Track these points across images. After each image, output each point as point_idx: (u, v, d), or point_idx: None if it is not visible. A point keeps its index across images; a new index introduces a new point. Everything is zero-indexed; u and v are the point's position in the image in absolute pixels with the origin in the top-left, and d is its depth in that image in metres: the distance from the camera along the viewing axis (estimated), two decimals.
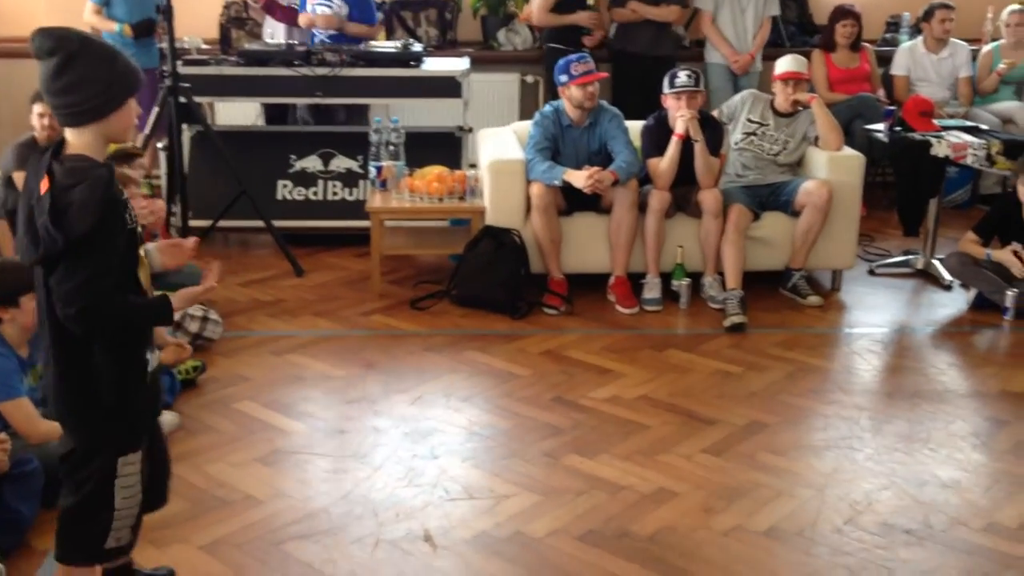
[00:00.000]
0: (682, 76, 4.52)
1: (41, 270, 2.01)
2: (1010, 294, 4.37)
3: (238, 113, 6.03)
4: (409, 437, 3.31)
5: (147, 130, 4.99)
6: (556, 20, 5.75)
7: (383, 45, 5.40)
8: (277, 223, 4.94)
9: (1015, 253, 4.38)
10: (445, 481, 3.03)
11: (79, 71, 1.96)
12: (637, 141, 4.63)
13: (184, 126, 4.87)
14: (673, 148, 4.47)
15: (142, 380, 2.13)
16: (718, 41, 5.87)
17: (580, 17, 5.68)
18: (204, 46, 5.64)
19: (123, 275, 2.05)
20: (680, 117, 4.45)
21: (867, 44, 6.14)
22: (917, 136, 4.79)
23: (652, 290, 4.50)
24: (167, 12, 4.61)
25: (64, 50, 1.95)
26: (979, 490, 3.02)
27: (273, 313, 4.37)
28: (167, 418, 3.26)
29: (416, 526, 2.80)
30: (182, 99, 4.72)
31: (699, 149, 4.47)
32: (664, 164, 4.48)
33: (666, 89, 4.58)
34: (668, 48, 5.86)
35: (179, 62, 4.76)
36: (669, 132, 4.51)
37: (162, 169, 5.07)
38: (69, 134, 2.03)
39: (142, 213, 3.79)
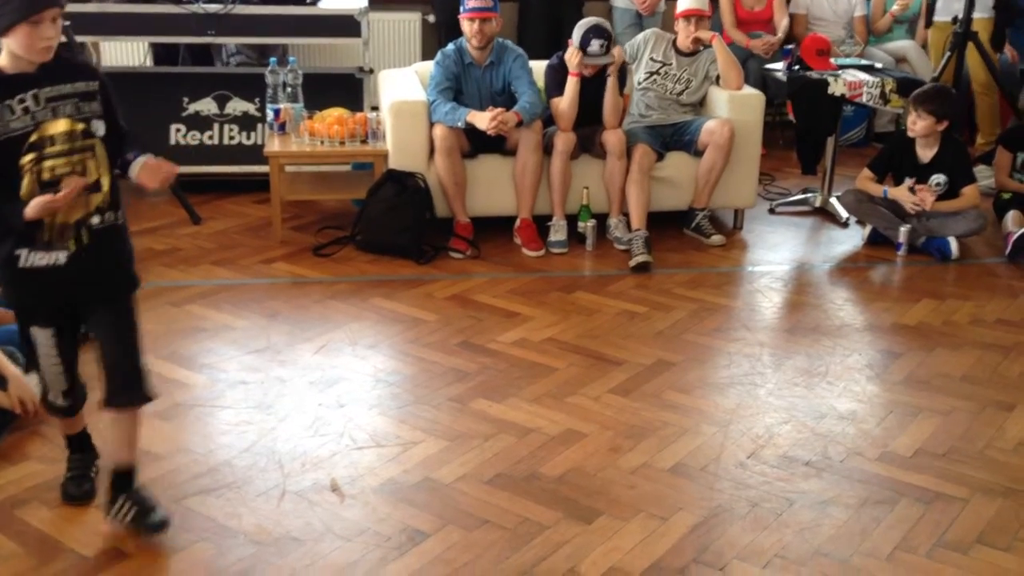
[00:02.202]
0: (594, 45, 4.37)
1: None
2: (903, 229, 4.50)
3: (124, 53, 5.75)
4: (314, 386, 3.25)
5: None
6: None
7: None
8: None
9: (910, 189, 4.50)
10: (352, 430, 2.99)
11: None
12: (542, 81, 4.57)
13: None
14: (571, 87, 4.42)
15: (14, 271, 2.31)
16: None
17: None
18: None
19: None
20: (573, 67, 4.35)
21: None
22: (814, 75, 4.86)
23: (558, 232, 4.50)
24: None
25: None
26: (874, 420, 3.13)
27: (169, 263, 4.22)
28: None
29: (323, 476, 2.75)
30: (63, 38, 4.45)
31: (611, 86, 4.44)
32: (564, 104, 4.44)
33: (575, 45, 4.41)
34: None
35: None
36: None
37: None
38: None
39: None
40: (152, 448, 2.85)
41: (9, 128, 2.19)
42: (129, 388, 2.45)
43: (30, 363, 2.52)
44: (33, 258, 2.31)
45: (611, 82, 4.43)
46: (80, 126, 2.28)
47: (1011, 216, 4.62)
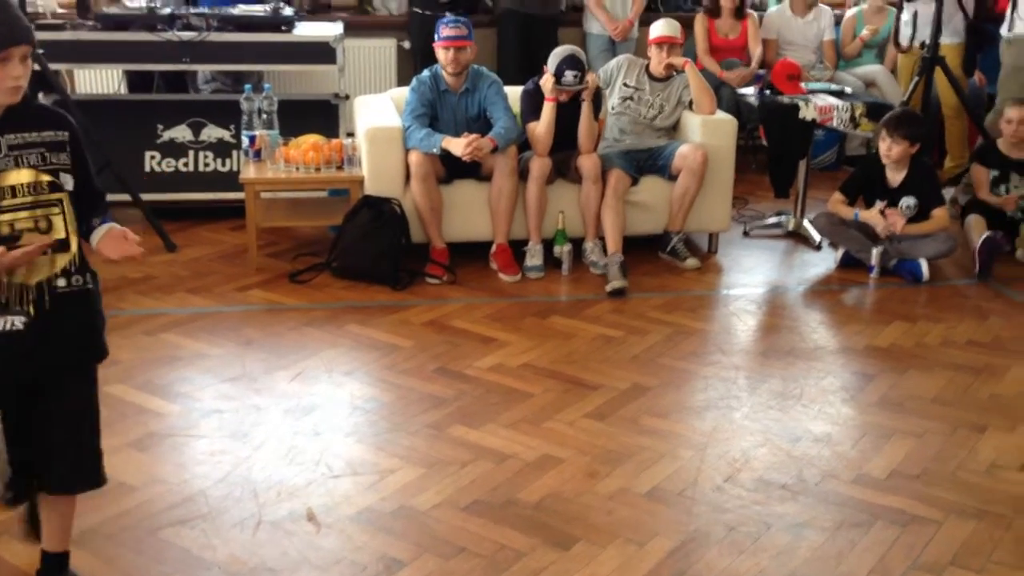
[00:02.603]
0: (568, 76, 4.41)
1: None
2: (875, 252, 4.55)
3: (99, 81, 5.74)
4: (290, 414, 3.24)
5: None
6: None
7: (253, 9, 5.20)
8: (146, 196, 4.74)
9: (880, 212, 4.56)
10: (328, 458, 2.98)
11: None
12: (518, 107, 4.60)
13: (40, 95, 4.60)
14: (547, 113, 4.45)
15: None
16: (596, 9, 5.88)
17: None
18: (60, 9, 5.33)
19: None
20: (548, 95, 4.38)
21: (752, 12, 6.22)
22: (785, 99, 4.92)
23: (534, 257, 4.51)
24: None
25: None
26: (849, 443, 3.15)
27: (144, 291, 4.19)
28: None
29: (299, 505, 2.74)
30: (36, 67, 4.44)
31: (585, 111, 4.47)
32: (540, 129, 4.47)
33: (549, 72, 4.45)
34: (554, 8, 5.80)
35: (32, 26, 4.48)
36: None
37: None
38: None
39: None
40: (126, 479, 2.82)
41: None
42: (80, 472, 2.24)
43: None
44: None
45: (585, 108, 4.47)
46: (46, 178, 2.08)
47: (972, 222, 4.68)
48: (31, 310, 2.09)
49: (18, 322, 2.08)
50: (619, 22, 5.87)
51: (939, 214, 4.57)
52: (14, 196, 2.05)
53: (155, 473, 2.87)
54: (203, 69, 5.38)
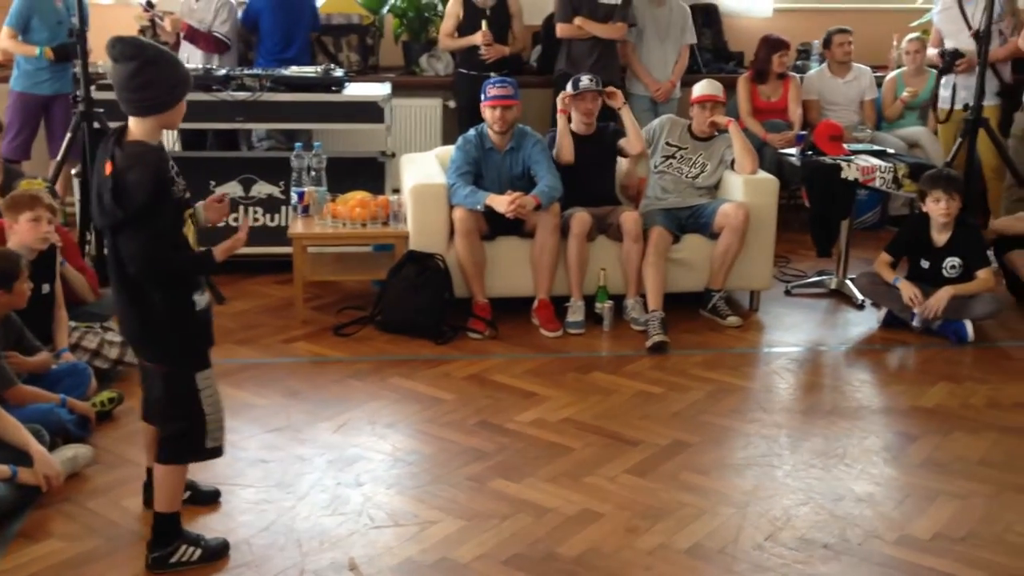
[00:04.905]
0: (585, 80, 4.79)
1: (110, 233, 2.55)
2: (916, 311, 4.52)
3: None
4: (334, 465, 3.28)
5: (60, 156, 4.88)
6: (456, 43, 5.79)
7: (304, 70, 5.37)
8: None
9: (911, 298, 4.51)
10: (370, 508, 3.01)
11: (153, 72, 2.47)
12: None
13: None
14: (561, 124, 4.80)
15: (191, 315, 2.62)
16: (640, 71, 5.98)
17: (476, 38, 5.68)
18: None
19: (175, 235, 2.55)
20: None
21: (794, 75, 6.28)
22: (828, 160, 4.95)
23: (575, 313, 4.55)
24: (80, 35, 4.53)
25: (143, 56, 2.46)
26: (892, 503, 3.11)
27: None
28: (80, 451, 3.18)
29: (341, 555, 2.77)
30: (96, 124, 4.62)
31: (625, 114, 4.85)
32: (559, 142, 4.75)
33: (571, 92, 4.79)
34: (611, 72, 5.83)
35: (93, 87, 4.68)
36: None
37: (75, 196, 4.95)
38: (132, 123, 2.52)
39: (51, 237, 3.72)
40: None
41: (179, 190, 2.59)
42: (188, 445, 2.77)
43: (195, 416, 2.67)
44: (201, 301, 2.66)
45: (624, 111, 4.84)
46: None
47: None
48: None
49: (206, 297, 2.70)
50: (662, 84, 5.96)
51: (984, 276, 4.53)
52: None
53: (201, 520, 2.92)
54: (255, 128, 5.54)
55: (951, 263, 4.55)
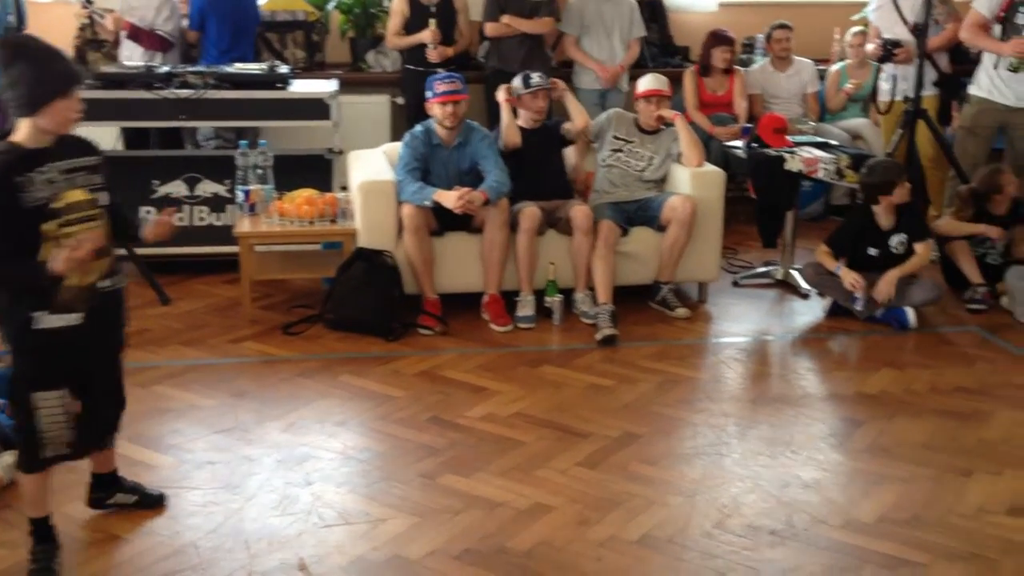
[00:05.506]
0: (535, 78, 4.81)
1: None
2: (860, 296, 4.60)
3: (96, 138, 5.81)
4: (283, 465, 3.25)
5: None
6: (404, 41, 5.77)
7: (249, 68, 5.31)
8: (141, 251, 4.79)
9: (852, 283, 4.60)
10: (320, 507, 2.99)
11: (20, 70, 2.38)
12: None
13: None
14: (505, 111, 4.79)
15: (26, 333, 2.50)
16: (585, 59, 6.00)
17: (424, 35, 5.69)
18: None
19: (18, 245, 2.41)
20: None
21: (739, 69, 6.35)
22: (772, 152, 5.01)
23: (525, 307, 4.56)
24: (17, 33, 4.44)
25: (13, 54, 2.38)
26: (837, 489, 3.17)
27: (138, 344, 4.21)
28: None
29: (290, 555, 2.74)
30: None
31: (567, 96, 4.94)
32: (505, 130, 4.76)
33: (522, 90, 4.79)
34: (540, 67, 5.89)
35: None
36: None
37: None
38: (20, 124, 2.44)
39: None
40: (117, 531, 2.83)
41: (34, 198, 2.42)
42: (113, 430, 2.86)
43: (30, 427, 2.59)
44: (50, 320, 2.51)
45: (567, 94, 4.96)
46: (91, 196, 2.55)
47: (958, 247, 4.90)
48: (84, 308, 2.55)
49: (76, 319, 2.55)
50: (609, 68, 5.97)
51: (922, 250, 4.66)
52: (71, 212, 2.49)
53: (146, 525, 2.88)
54: (199, 126, 5.47)
55: (898, 240, 4.67)
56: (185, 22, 5.79)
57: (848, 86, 6.40)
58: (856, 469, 3.30)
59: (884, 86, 5.86)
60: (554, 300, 4.58)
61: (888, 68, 5.78)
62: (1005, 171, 5.01)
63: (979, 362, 4.23)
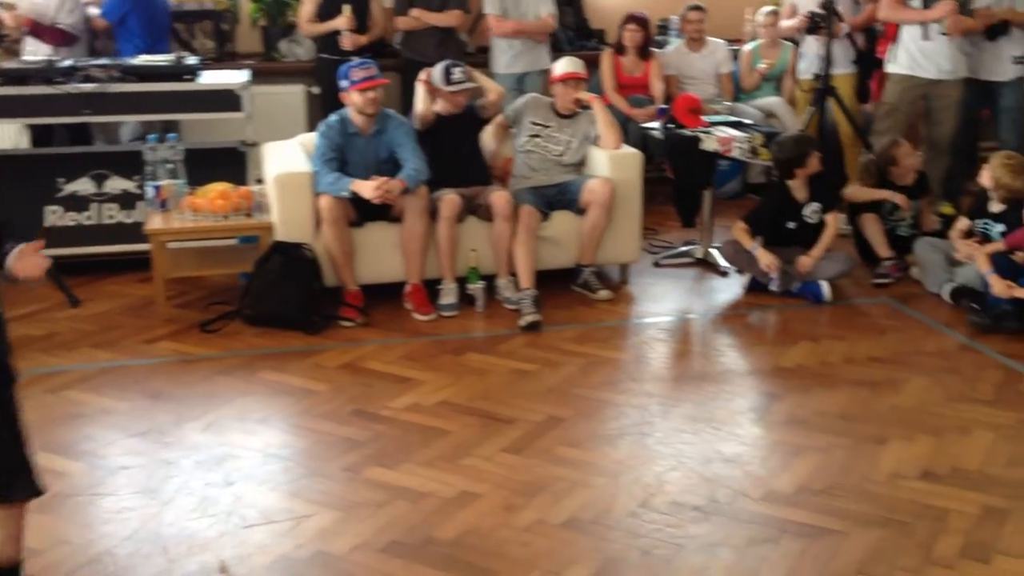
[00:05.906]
0: (457, 73, 4.73)
1: None
2: (775, 274, 4.68)
3: None
4: (201, 466, 3.18)
5: None
6: (318, 28, 5.70)
7: (155, 59, 5.16)
8: (47, 252, 4.61)
9: (768, 265, 4.69)
10: (241, 508, 2.93)
11: None
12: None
13: None
14: (419, 91, 4.75)
15: None
16: (516, 26, 5.91)
17: (339, 22, 5.61)
18: None
19: None
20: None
21: (656, 51, 6.39)
22: (688, 132, 5.06)
23: (448, 295, 4.53)
24: None
25: None
26: (758, 462, 3.22)
27: (46, 348, 4.08)
28: None
29: (211, 558, 2.69)
30: None
31: (477, 76, 4.94)
32: (420, 109, 4.73)
33: (443, 86, 4.71)
34: (454, 54, 5.87)
35: None
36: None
37: None
38: None
39: None
40: (29, 543, 2.70)
41: None
42: (11, 482, 2.34)
43: None
44: None
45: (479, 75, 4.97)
46: None
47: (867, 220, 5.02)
48: None
49: None
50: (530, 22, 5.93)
51: (832, 220, 4.80)
52: None
53: (59, 535, 2.79)
54: (105, 120, 5.30)
55: (811, 209, 4.77)
56: (92, 11, 5.61)
57: (762, 65, 6.49)
58: (775, 442, 3.36)
59: (802, 65, 5.96)
60: (476, 287, 4.57)
61: (807, 45, 5.88)
62: (902, 144, 5.16)
63: (891, 332, 4.34)
